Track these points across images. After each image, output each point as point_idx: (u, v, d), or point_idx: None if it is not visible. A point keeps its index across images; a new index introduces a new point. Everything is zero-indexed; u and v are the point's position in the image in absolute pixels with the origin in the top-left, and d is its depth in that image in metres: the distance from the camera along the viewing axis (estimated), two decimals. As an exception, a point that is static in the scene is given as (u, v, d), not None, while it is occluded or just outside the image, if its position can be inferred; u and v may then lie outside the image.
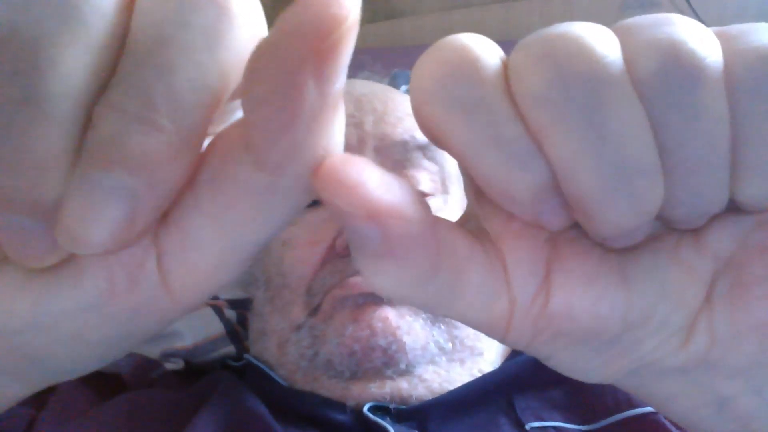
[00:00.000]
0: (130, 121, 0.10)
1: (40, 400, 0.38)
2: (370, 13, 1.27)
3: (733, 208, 0.14)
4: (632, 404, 0.34)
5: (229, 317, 0.50)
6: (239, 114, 0.15)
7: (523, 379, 0.38)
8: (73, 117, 0.10)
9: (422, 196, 0.12)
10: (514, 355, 0.43)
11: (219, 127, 0.15)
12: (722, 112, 0.12)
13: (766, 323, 0.14)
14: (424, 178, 0.41)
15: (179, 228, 0.12)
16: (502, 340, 0.15)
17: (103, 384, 0.42)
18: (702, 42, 0.12)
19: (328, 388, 0.37)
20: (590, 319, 0.14)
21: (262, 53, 0.10)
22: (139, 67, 0.10)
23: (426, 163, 0.42)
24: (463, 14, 1.09)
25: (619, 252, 0.14)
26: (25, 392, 0.15)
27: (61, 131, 0.10)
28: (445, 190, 0.42)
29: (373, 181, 0.11)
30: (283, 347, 0.40)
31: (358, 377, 0.37)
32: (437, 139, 0.13)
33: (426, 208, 0.12)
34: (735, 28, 0.13)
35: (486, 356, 0.41)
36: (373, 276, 0.12)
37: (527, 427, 0.35)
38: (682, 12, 0.88)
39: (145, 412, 0.36)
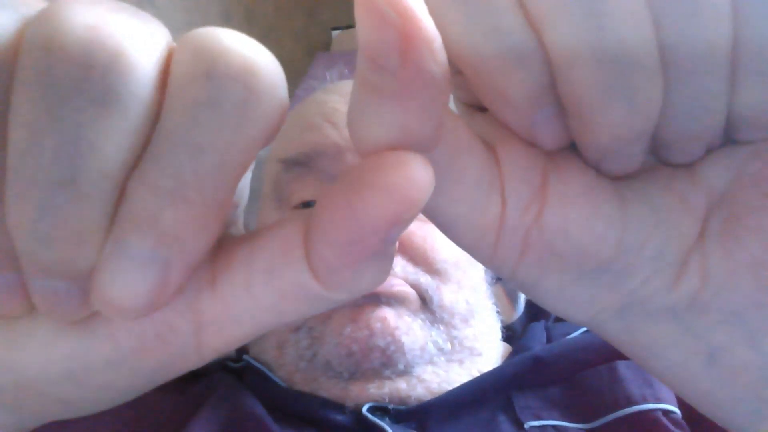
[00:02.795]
0: (162, 197, 0.11)
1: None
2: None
3: (729, 142, 0.14)
4: (631, 402, 0.34)
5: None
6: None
7: (522, 378, 0.38)
8: (109, 194, 0.11)
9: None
10: (513, 355, 0.43)
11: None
12: (724, 9, 0.11)
13: (760, 260, 0.13)
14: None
15: (226, 302, 0.13)
16: (490, 259, 0.14)
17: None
18: None
19: (327, 388, 0.38)
20: (585, 235, 0.13)
21: (342, 209, 0.11)
22: (171, 146, 0.11)
23: None
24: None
25: (615, 179, 0.14)
26: (30, 426, 0.15)
27: (97, 208, 0.11)
28: None
29: (419, 9, 0.10)
30: (282, 348, 0.40)
31: (357, 378, 0.37)
32: None
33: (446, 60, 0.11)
34: None
35: (485, 357, 0.41)
36: (371, 123, 0.11)
37: (526, 426, 0.35)
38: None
39: (144, 413, 0.36)
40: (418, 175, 0.11)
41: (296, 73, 1.54)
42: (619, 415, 0.34)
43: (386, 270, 0.13)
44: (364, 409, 0.35)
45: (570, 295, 0.14)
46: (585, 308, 0.15)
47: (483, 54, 0.12)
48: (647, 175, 0.14)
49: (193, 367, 0.14)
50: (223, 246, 0.13)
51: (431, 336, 0.38)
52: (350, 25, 1.77)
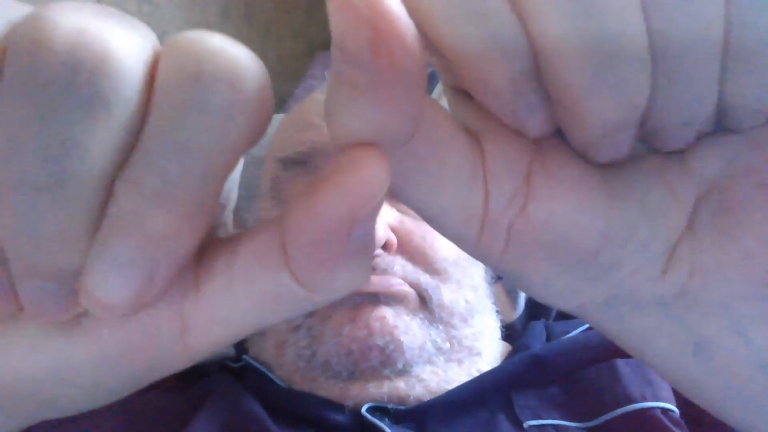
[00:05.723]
0: (148, 197, 0.11)
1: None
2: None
3: (721, 129, 0.13)
4: (630, 400, 0.34)
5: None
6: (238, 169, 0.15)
7: (521, 377, 0.38)
8: (96, 195, 0.11)
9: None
10: (513, 354, 0.43)
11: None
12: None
13: (750, 252, 0.13)
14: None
15: (209, 305, 0.13)
16: (475, 250, 0.14)
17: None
18: None
19: (326, 388, 0.38)
20: (569, 227, 0.13)
21: (304, 210, 0.11)
22: (158, 147, 0.11)
23: None
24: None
25: (602, 168, 0.14)
26: (21, 426, 0.15)
27: (84, 209, 0.11)
28: None
29: (392, 2, 0.10)
30: (281, 348, 0.40)
31: (356, 377, 0.37)
32: (412, 12, 0.12)
33: (423, 53, 0.11)
34: None
35: (484, 356, 0.41)
36: (346, 116, 0.11)
37: (525, 425, 0.35)
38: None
39: (143, 413, 0.36)
40: (370, 172, 0.11)
41: (296, 71, 1.54)
42: (618, 413, 0.34)
43: (365, 270, 0.12)
44: (363, 410, 0.35)
45: (556, 287, 0.14)
46: (571, 299, 0.15)
47: (465, 40, 0.12)
48: (636, 165, 0.14)
49: (181, 367, 0.14)
50: (207, 249, 0.13)
51: (430, 335, 0.38)
52: (350, 23, 1.75)
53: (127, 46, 0.11)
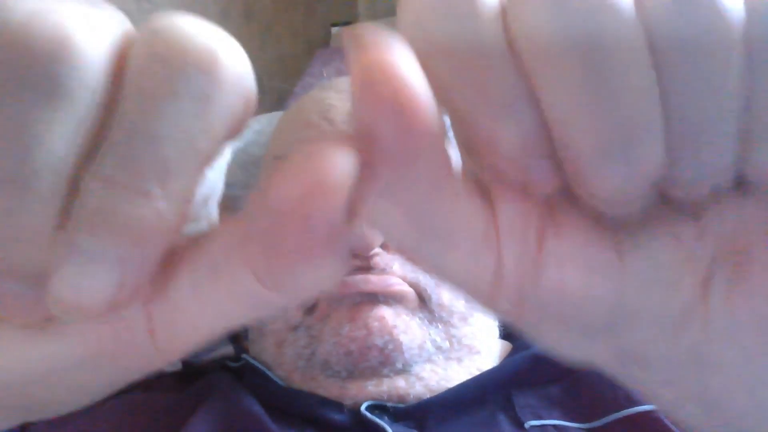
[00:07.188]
0: (119, 191, 0.10)
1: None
2: (371, 11, 1.27)
3: (739, 189, 0.13)
4: (632, 401, 0.34)
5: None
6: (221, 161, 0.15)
7: (522, 377, 0.38)
8: (59, 190, 0.10)
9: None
10: (513, 353, 0.43)
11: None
12: (738, 73, 0.11)
13: (764, 316, 0.13)
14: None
15: (175, 304, 0.12)
16: (486, 306, 0.14)
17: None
18: None
19: (326, 387, 0.37)
20: (581, 299, 0.13)
21: (259, 202, 0.11)
22: (128, 137, 0.10)
23: None
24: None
25: (615, 229, 0.13)
26: (7, 426, 0.15)
27: (47, 205, 0.10)
28: None
29: (408, 63, 0.10)
30: (280, 347, 0.40)
31: (355, 376, 0.37)
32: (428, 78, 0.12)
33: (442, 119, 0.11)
34: None
35: (484, 355, 0.41)
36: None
37: (526, 425, 0.35)
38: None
39: (142, 413, 0.36)
40: (328, 158, 0.10)
41: (295, 70, 1.54)
42: (620, 415, 0.34)
43: (334, 271, 0.12)
44: (363, 408, 0.35)
45: (568, 345, 0.14)
46: (583, 355, 0.15)
47: (472, 105, 0.12)
48: (650, 223, 0.14)
49: (160, 366, 0.14)
50: (176, 248, 0.13)
51: (429, 334, 0.38)
52: (349, 22, 1.77)
53: (88, 29, 0.10)
